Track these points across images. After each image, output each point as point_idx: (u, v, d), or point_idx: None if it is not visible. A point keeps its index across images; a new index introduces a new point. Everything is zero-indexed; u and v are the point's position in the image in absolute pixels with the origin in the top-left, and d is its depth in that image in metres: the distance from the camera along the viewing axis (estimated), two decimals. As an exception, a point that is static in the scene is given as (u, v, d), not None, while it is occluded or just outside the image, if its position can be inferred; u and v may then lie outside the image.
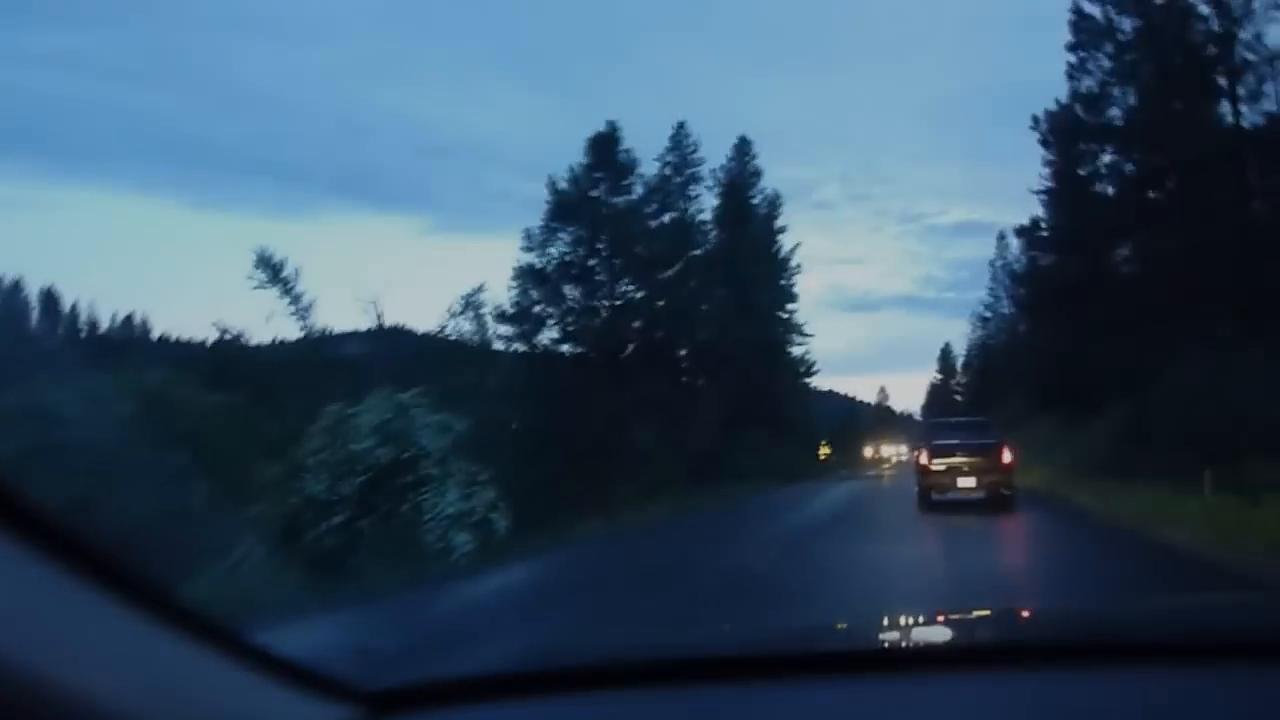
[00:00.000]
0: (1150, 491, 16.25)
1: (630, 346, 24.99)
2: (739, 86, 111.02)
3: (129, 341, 57.62)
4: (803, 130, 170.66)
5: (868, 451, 64.23)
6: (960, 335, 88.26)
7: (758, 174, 53.47)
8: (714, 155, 53.59)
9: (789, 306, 55.84)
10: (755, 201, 52.65)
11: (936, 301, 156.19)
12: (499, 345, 24.43)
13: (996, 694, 1.23)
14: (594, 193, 26.96)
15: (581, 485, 17.39)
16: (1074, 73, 25.25)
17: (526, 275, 25.97)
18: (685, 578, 10.12)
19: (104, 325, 68.55)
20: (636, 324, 25.43)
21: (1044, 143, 25.99)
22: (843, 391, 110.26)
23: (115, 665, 0.88)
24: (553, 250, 26.60)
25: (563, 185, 27.17)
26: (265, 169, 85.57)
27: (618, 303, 25.88)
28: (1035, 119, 26.00)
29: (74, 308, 75.69)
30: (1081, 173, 25.74)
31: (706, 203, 51.52)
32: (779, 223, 53.17)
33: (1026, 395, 41.65)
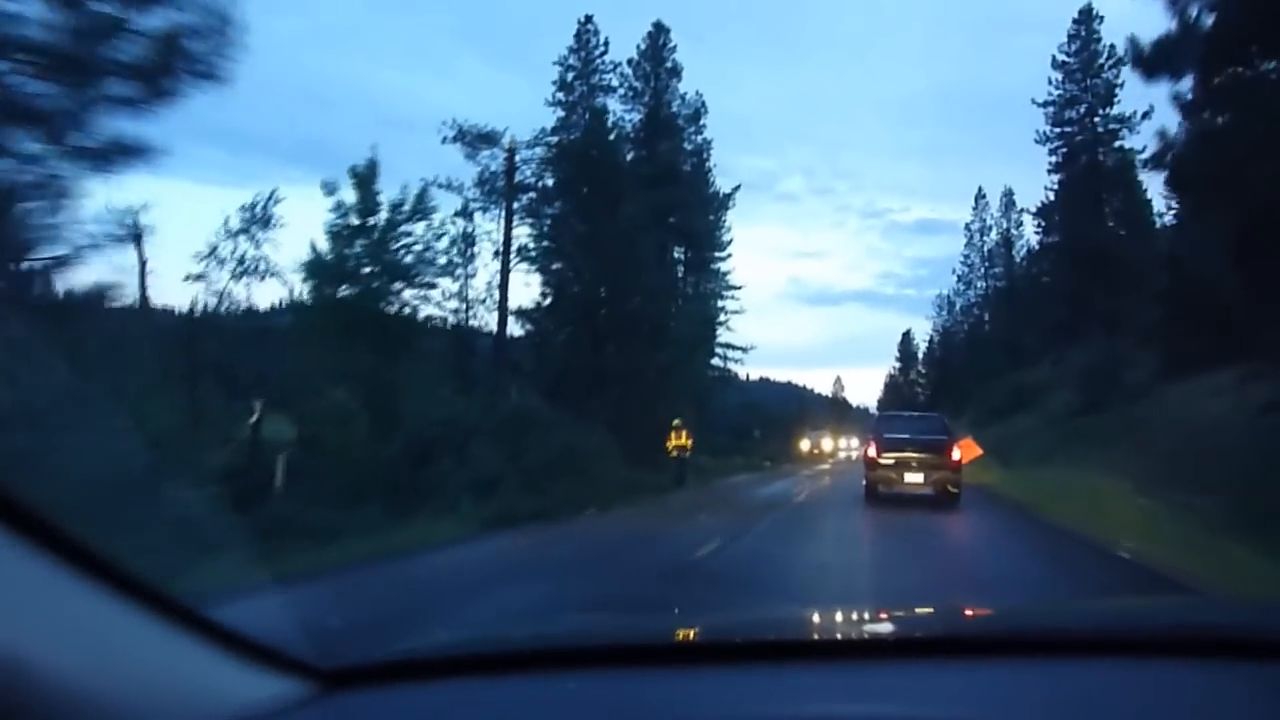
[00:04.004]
0: None
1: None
2: (703, 72, 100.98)
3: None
4: (768, 121, 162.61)
5: (804, 445, 51.32)
6: (920, 331, 79.21)
7: (677, 73, 40.73)
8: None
9: (718, 255, 43.68)
10: (674, 109, 40.22)
11: (896, 298, 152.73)
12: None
13: (933, 683, 1.26)
14: None
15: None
16: None
17: None
18: None
19: None
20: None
21: None
22: (800, 384, 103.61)
23: (68, 638, 0.88)
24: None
25: None
26: (220, 138, 72.62)
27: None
28: None
29: None
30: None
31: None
32: (705, 136, 40.52)
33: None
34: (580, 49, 41.19)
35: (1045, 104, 34.37)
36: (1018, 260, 55.75)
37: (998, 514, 15.49)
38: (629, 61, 40.03)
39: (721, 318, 40.09)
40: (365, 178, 17.10)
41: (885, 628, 1.66)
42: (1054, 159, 33.83)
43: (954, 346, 67.22)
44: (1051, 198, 34.31)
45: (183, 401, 14.99)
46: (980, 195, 57.68)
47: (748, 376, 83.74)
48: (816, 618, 1.84)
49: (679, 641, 1.50)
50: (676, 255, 42.86)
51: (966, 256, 58.91)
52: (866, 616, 1.83)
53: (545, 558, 9.75)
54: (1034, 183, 58.34)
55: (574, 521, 12.24)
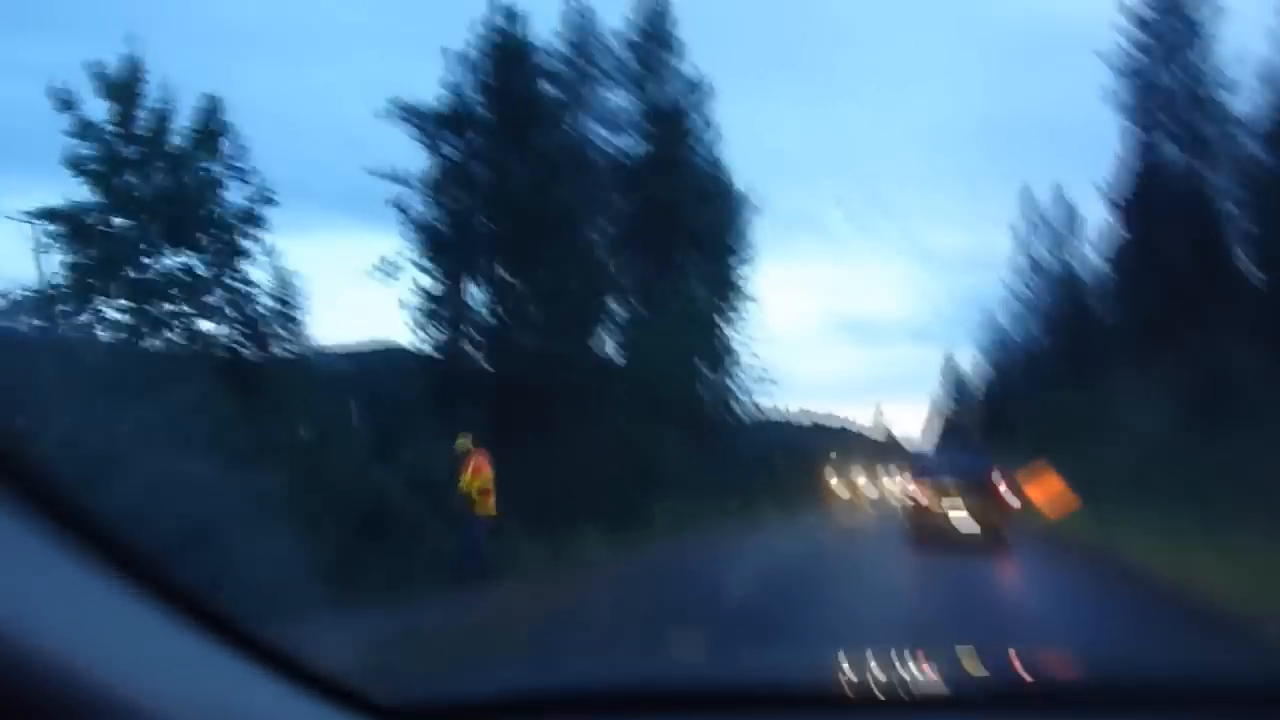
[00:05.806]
0: None
1: None
2: (735, 109, 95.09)
3: None
4: (802, 155, 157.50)
5: (832, 480, 44.38)
6: (965, 359, 73.35)
7: (676, 43, 34.60)
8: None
9: (737, 270, 37.19)
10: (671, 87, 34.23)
11: (937, 328, 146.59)
12: None
13: None
14: None
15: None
16: None
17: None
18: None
19: None
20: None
21: None
22: (842, 416, 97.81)
23: (133, 660, 0.87)
24: None
25: None
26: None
27: None
28: None
29: None
30: None
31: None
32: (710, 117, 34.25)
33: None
34: (576, 27, 35.48)
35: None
36: (1085, 254, 48.82)
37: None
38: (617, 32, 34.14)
39: (739, 338, 33.31)
40: (123, 86, 11.22)
41: (961, 676, 1.63)
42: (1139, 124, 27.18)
43: (1004, 368, 60.92)
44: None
45: None
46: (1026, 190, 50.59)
47: (787, 410, 76.48)
48: (854, 665, 1.75)
49: (732, 690, 1.49)
50: (680, 262, 36.93)
51: (1017, 262, 51.70)
52: (947, 665, 1.75)
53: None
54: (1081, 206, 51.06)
55: None
